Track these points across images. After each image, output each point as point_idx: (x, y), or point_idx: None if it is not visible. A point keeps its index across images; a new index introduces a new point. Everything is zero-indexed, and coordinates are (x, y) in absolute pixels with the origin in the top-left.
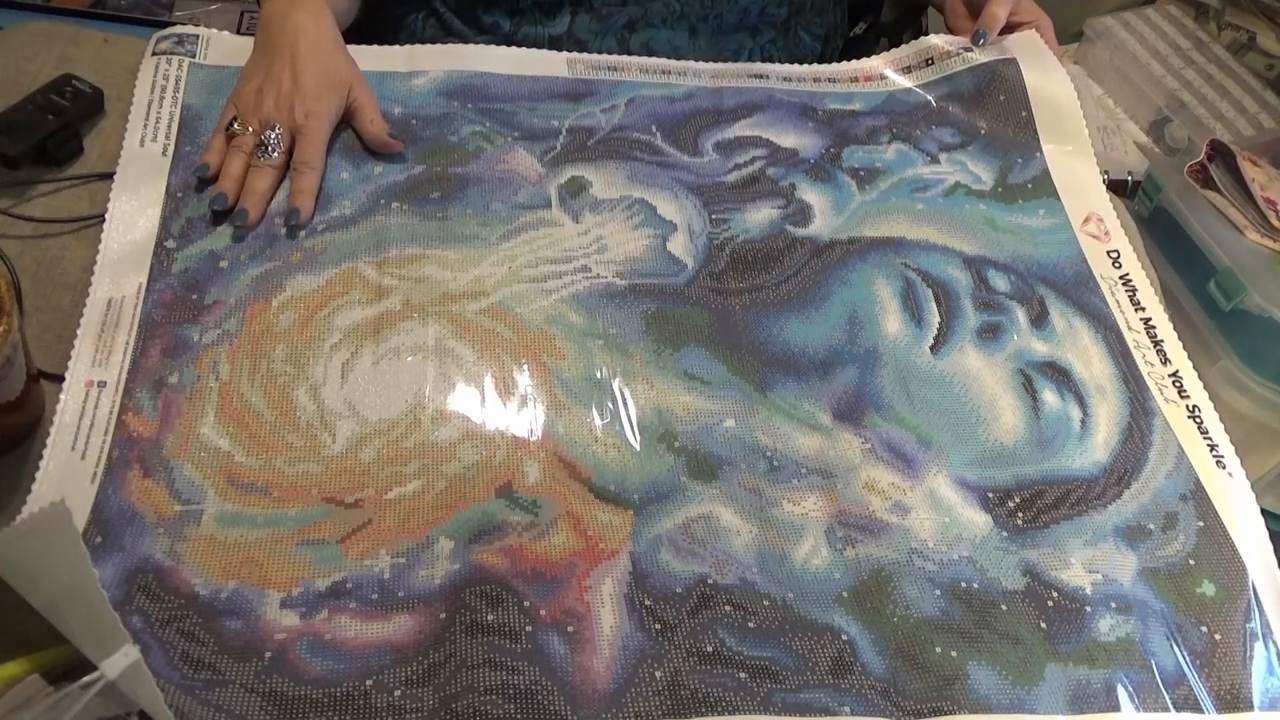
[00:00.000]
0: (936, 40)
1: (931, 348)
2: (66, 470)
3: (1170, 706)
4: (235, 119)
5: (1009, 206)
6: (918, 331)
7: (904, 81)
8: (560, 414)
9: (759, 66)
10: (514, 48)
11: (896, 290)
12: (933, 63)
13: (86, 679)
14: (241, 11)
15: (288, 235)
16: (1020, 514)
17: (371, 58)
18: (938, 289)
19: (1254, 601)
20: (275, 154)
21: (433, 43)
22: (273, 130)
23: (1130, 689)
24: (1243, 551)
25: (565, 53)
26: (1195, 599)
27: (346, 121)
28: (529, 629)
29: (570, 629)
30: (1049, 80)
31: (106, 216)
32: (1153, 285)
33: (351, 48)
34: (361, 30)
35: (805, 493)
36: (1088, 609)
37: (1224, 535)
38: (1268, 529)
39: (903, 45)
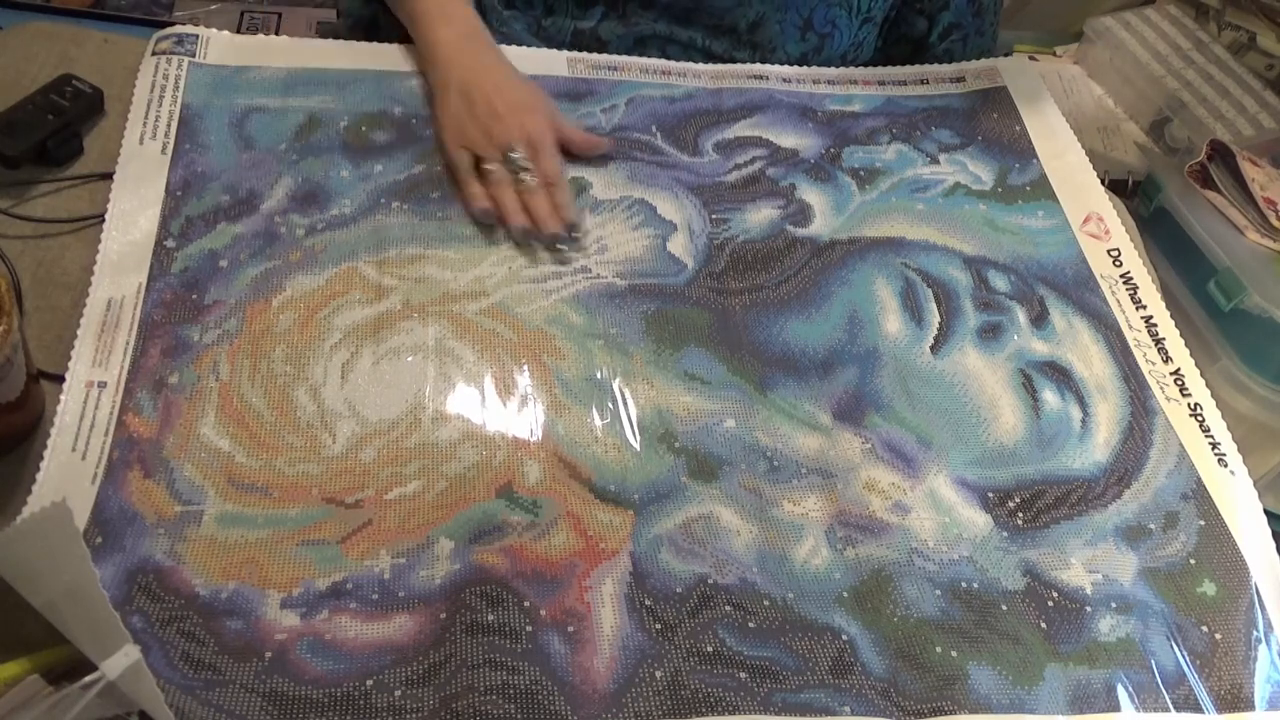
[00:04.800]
0: (930, 68)
1: (931, 348)
2: (67, 471)
3: (1170, 707)
4: (478, 157)
5: (1008, 207)
6: (918, 331)
7: (900, 91)
8: (560, 414)
9: (759, 68)
10: (514, 46)
11: (896, 290)
12: (927, 83)
13: (87, 679)
14: (241, 11)
15: (570, 248)
16: (1020, 514)
17: (372, 57)
18: (938, 289)
19: (1256, 601)
20: (532, 175)
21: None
22: (514, 152)
23: (1130, 689)
24: (1245, 550)
25: (566, 52)
26: (1196, 599)
27: None
28: (529, 629)
29: (570, 629)
30: (1039, 103)
31: (106, 216)
32: (1154, 284)
33: (350, 46)
34: None
35: (805, 493)
36: (1088, 609)
37: (1225, 534)
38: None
39: (899, 68)
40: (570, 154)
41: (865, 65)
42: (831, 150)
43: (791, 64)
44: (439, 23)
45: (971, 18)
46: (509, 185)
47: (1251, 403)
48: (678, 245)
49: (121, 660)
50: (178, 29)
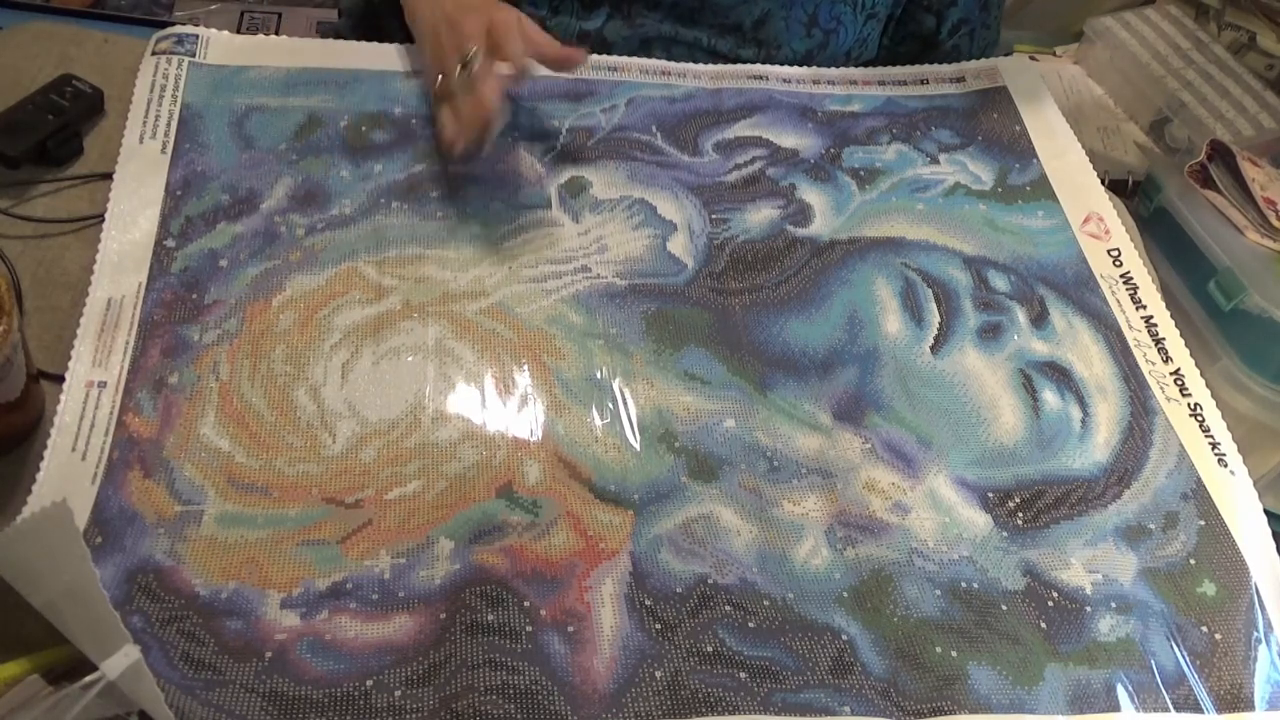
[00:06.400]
0: (930, 68)
1: (931, 348)
2: (67, 471)
3: (1170, 707)
4: (439, 76)
5: (1008, 207)
6: (918, 331)
7: (900, 91)
8: (560, 414)
9: (759, 68)
10: None
11: (896, 290)
12: (927, 83)
13: (87, 679)
14: (241, 11)
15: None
16: (1020, 514)
17: (372, 57)
18: (938, 289)
19: (1256, 601)
20: (477, 64)
21: None
22: (469, 52)
23: (1130, 689)
24: (1244, 550)
25: None
26: (1196, 599)
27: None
28: (529, 629)
29: (570, 629)
30: (1039, 103)
31: (106, 216)
32: (1154, 284)
33: (351, 46)
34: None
35: (805, 493)
36: (1088, 609)
37: (1225, 534)
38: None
39: (899, 68)
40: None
41: (869, 62)
42: (831, 150)
43: (797, 61)
44: None
45: (979, 12)
46: (458, 92)
47: (1251, 403)
48: (678, 245)
49: (121, 660)
50: (178, 29)
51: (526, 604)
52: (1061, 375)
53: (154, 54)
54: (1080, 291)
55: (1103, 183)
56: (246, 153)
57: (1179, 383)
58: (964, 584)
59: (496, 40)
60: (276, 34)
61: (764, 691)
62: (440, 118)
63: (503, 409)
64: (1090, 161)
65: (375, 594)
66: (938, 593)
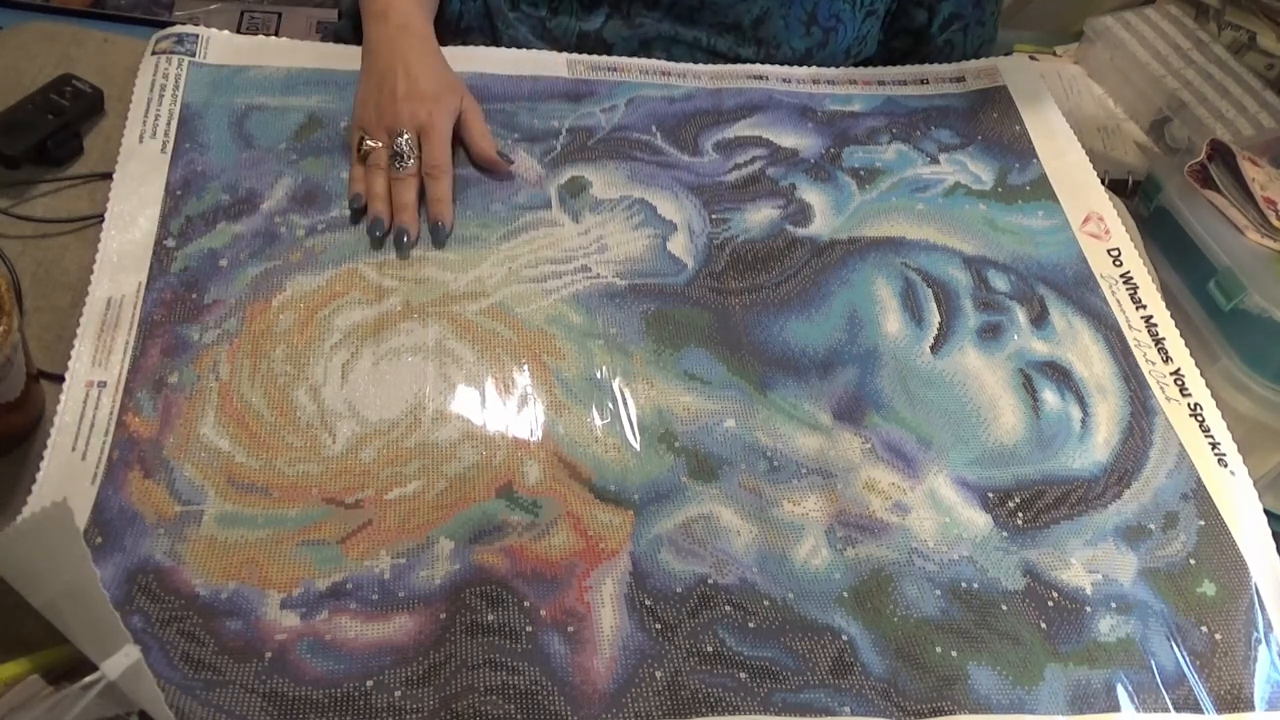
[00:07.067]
0: (930, 68)
1: (931, 348)
2: (67, 471)
3: (1170, 707)
4: (363, 137)
5: (1009, 207)
6: (918, 331)
7: (900, 90)
8: (560, 414)
9: (758, 68)
10: (513, 48)
11: (896, 290)
12: (927, 83)
13: (87, 679)
14: (241, 11)
15: (434, 245)
16: (1020, 514)
17: None
18: (938, 289)
19: (1256, 601)
20: (411, 161)
21: (472, 20)
22: (402, 136)
23: (1130, 689)
24: (1244, 550)
25: (566, 53)
26: (1195, 599)
27: (454, 134)
28: (529, 629)
29: (570, 629)
30: (1039, 103)
31: (106, 215)
32: (1154, 284)
33: (351, 47)
34: None
35: (805, 493)
36: (1088, 609)
37: (1225, 534)
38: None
39: (899, 67)
40: (475, 164)
41: (869, 60)
42: (831, 150)
43: (796, 60)
44: (376, 18)
45: (972, 8)
46: (382, 170)
47: (1251, 403)
48: (678, 245)
49: (121, 660)
50: (178, 29)
51: (526, 604)
52: (1061, 375)
53: (154, 54)
54: (1080, 291)
55: (1103, 183)
56: (246, 152)
57: (1179, 383)
58: (964, 584)
59: (425, 137)
60: (276, 34)
61: (764, 692)
62: (353, 170)
63: (503, 409)
64: (1090, 161)
65: (375, 594)
66: (938, 593)
